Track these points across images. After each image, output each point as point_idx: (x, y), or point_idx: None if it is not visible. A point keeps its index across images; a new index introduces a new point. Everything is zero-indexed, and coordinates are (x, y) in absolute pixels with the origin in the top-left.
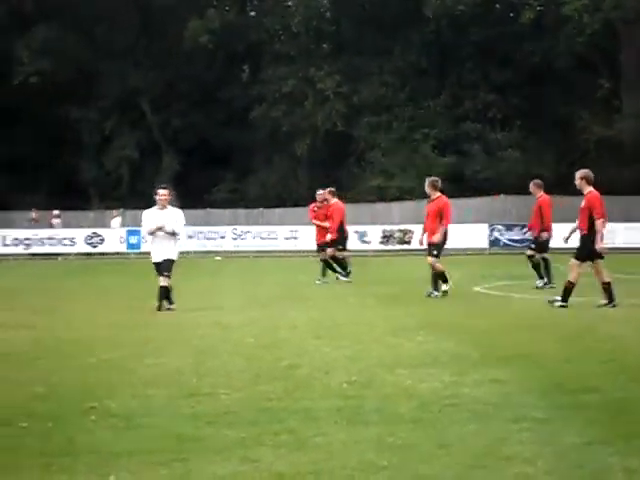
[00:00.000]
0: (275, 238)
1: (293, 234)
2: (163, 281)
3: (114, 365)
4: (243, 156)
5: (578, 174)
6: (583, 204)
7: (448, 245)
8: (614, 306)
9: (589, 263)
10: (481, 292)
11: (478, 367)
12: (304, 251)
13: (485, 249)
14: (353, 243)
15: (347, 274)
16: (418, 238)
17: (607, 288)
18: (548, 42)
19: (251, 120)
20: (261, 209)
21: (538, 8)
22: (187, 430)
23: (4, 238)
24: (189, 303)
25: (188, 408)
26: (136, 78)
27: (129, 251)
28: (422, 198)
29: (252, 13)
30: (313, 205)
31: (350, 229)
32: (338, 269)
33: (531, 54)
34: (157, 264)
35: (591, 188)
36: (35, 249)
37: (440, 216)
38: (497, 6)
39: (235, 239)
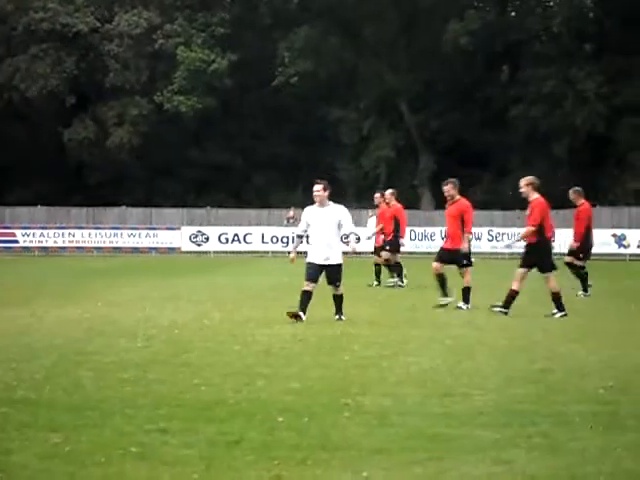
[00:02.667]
0: None
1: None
2: (335, 290)
3: (369, 363)
4: (500, 157)
5: (523, 181)
6: (528, 211)
7: None
8: (565, 315)
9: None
10: None
11: None
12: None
13: None
14: (610, 247)
15: (402, 278)
16: None
17: (556, 298)
18: None
19: (509, 120)
20: (517, 211)
21: None
22: (440, 429)
23: (262, 235)
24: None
25: (441, 408)
26: (394, 79)
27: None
28: None
29: (512, 13)
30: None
31: (607, 232)
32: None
33: None
34: (316, 266)
35: (537, 195)
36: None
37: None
38: None
39: (491, 240)
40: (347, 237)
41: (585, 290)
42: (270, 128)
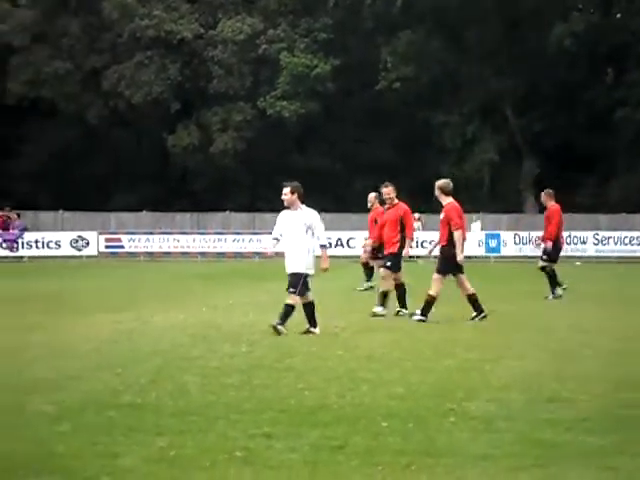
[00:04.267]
0: None
1: None
2: (289, 298)
3: (472, 367)
4: (605, 159)
5: (436, 184)
6: (442, 216)
7: None
8: (484, 317)
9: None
10: None
11: None
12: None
13: None
14: None
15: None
16: None
17: (473, 299)
18: None
19: (614, 123)
20: (623, 214)
21: None
22: (545, 435)
23: (365, 240)
24: (550, 305)
25: (547, 413)
26: (498, 82)
27: (488, 254)
28: None
29: (617, 15)
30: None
31: None
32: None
33: None
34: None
35: (450, 199)
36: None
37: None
38: None
39: (596, 244)
40: (324, 247)
41: (553, 293)
42: (372, 133)
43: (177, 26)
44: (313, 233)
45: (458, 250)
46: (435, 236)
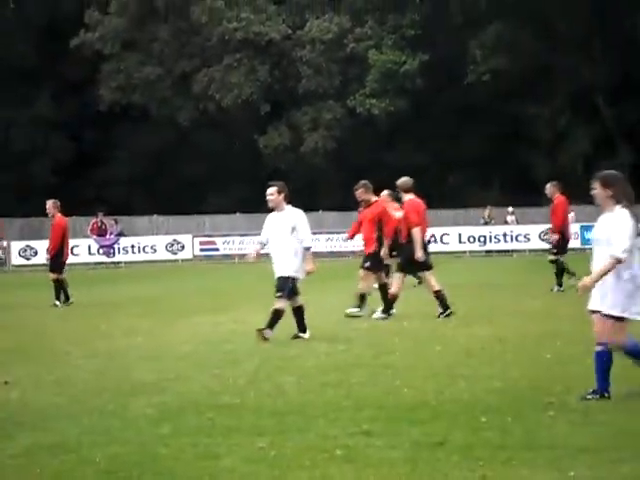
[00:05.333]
0: None
1: None
2: (277, 302)
3: (572, 360)
4: None
5: (396, 184)
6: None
7: None
8: (450, 314)
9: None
10: None
11: None
12: None
13: None
14: None
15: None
16: None
17: (439, 296)
18: None
19: None
20: None
21: None
22: None
23: (460, 235)
24: None
25: None
26: (590, 72)
27: (584, 247)
28: None
29: None
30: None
31: None
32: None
33: None
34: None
35: (410, 196)
36: (490, 246)
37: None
38: None
39: None
40: (307, 249)
41: (560, 285)
42: (462, 127)
43: (265, 28)
44: (295, 233)
45: (416, 248)
46: (530, 229)
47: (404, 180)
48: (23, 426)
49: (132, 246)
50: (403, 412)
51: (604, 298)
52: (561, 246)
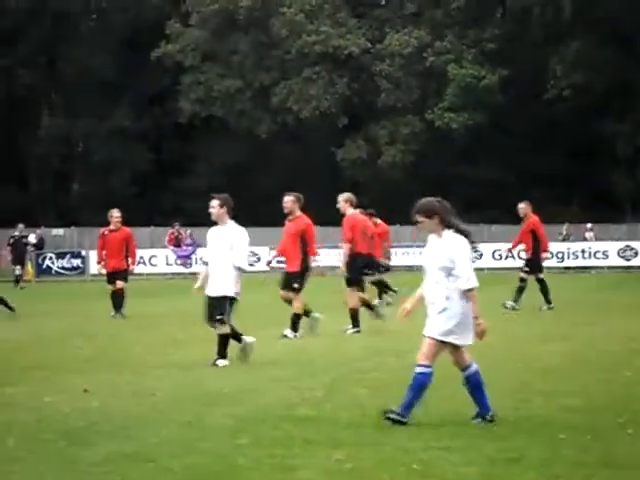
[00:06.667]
0: None
1: None
2: (219, 328)
3: None
4: None
5: (341, 197)
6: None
7: None
8: (357, 332)
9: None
10: None
11: None
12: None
13: None
14: None
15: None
16: None
17: (353, 313)
18: None
19: None
20: None
21: None
22: None
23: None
24: None
25: None
26: None
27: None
28: None
29: None
30: None
31: None
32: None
33: None
34: (207, 300)
35: (351, 210)
36: (568, 262)
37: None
38: None
39: None
40: (237, 268)
41: (549, 302)
42: (542, 142)
43: (344, 41)
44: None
45: (342, 263)
46: (609, 246)
47: (349, 195)
48: (103, 434)
49: None
50: (481, 428)
51: None
52: (535, 265)
